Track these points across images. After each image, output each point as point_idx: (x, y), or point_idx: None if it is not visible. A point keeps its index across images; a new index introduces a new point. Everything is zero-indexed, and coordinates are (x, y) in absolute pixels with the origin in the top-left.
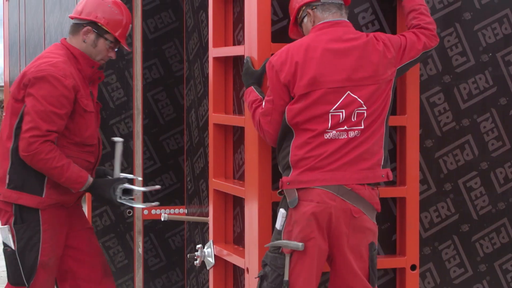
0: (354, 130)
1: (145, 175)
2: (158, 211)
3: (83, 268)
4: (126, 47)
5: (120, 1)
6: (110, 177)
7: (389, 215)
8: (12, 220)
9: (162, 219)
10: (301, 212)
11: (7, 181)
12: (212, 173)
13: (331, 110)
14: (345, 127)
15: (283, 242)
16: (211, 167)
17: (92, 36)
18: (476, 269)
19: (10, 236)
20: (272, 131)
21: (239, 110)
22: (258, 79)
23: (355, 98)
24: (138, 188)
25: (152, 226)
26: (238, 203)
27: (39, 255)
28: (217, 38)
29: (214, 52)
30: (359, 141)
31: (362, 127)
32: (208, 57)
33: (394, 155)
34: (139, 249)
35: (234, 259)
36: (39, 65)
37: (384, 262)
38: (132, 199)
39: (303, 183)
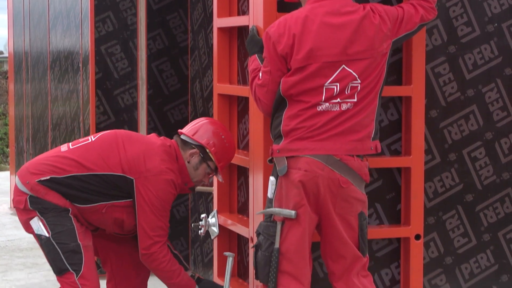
0: (347, 102)
1: None
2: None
3: (112, 239)
4: (221, 179)
5: (231, 136)
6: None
7: (394, 185)
8: (37, 212)
9: None
10: (290, 180)
11: (42, 179)
12: None
13: (326, 84)
14: (338, 99)
15: (275, 210)
16: None
17: (196, 160)
18: (480, 238)
19: (41, 224)
20: (267, 101)
21: (243, 80)
22: (263, 48)
23: (350, 72)
24: None
25: None
26: (242, 173)
27: (78, 239)
28: (221, 8)
29: (219, 22)
30: (351, 113)
31: (355, 100)
32: (212, 27)
33: (399, 125)
34: None
35: (239, 229)
36: (163, 168)
37: (389, 231)
38: None
39: (293, 152)
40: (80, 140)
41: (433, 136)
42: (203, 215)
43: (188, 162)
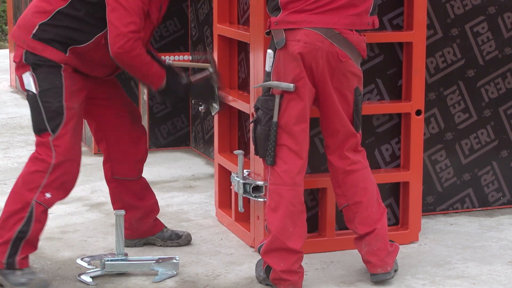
0: None
1: None
2: (162, 58)
3: (110, 119)
4: None
5: None
6: None
7: (395, 60)
8: (30, 67)
9: None
10: (288, 52)
11: (34, 32)
12: (216, 19)
13: None
14: None
15: (274, 83)
16: (216, 12)
17: None
18: (481, 114)
19: (31, 80)
20: None
21: None
22: None
23: None
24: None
25: None
26: (242, 48)
27: (64, 100)
28: None
29: None
30: None
31: None
32: None
33: None
34: (144, 95)
35: (239, 105)
36: None
37: (389, 107)
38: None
39: (291, 24)
40: None
41: (436, 10)
42: None
43: None
